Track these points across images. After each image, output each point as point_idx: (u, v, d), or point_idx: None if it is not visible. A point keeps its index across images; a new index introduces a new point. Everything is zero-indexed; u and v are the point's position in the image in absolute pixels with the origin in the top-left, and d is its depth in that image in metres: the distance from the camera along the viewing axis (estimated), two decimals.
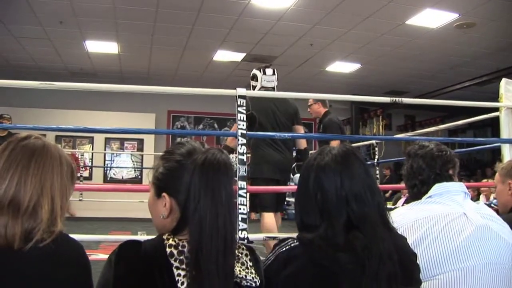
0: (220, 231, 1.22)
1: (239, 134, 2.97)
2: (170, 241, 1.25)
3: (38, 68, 11.65)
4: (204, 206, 1.23)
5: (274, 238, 3.25)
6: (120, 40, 9.79)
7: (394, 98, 3.56)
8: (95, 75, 12.10)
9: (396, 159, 8.59)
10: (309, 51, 10.05)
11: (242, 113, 3.02)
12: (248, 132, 3.03)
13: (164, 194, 1.32)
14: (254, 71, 4.67)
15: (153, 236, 1.32)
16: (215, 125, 13.73)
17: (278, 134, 3.81)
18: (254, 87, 4.61)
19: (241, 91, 3.07)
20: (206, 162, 1.27)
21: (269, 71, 4.58)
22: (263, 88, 4.55)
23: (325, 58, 10.56)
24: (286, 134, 4.01)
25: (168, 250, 1.23)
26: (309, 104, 6.03)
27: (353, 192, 1.42)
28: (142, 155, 12.46)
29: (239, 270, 1.27)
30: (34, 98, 11.60)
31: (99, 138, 12.22)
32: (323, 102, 5.96)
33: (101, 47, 10.24)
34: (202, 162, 1.28)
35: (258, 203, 4.42)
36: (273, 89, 4.58)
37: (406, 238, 1.56)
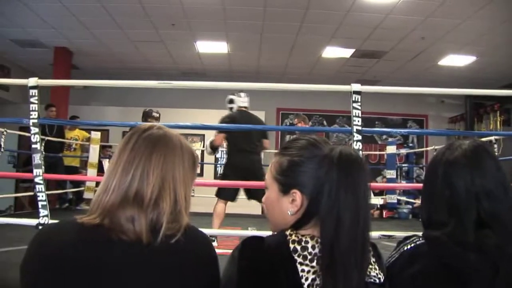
0: (360, 226, 1.19)
1: (355, 130, 2.94)
2: (293, 237, 1.23)
3: (151, 70, 12.23)
4: (345, 202, 1.19)
5: (389, 236, 3.19)
6: (230, 39, 10.01)
7: None
8: (204, 74, 12.50)
9: None
10: (421, 45, 9.72)
11: (358, 109, 2.97)
12: (363, 129, 2.99)
13: (294, 190, 1.28)
14: (230, 96, 5.95)
15: (266, 232, 1.31)
16: (324, 122, 13.65)
17: (394, 130, 3.74)
18: (231, 109, 5.92)
19: (356, 86, 3.02)
20: (343, 157, 1.24)
21: (243, 94, 5.89)
22: (239, 107, 5.84)
23: (437, 52, 10.15)
24: (403, 131, 3.92)
25: (291, 245, 1.21)
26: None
27: (484, 188, 1.35)
28: None
29: None
30: (148, 98, 12.11)
31: (210, 136, 12.50)
32: (304, 119, 8.38)
33: (211, 47, 10.54)
34: (339, 157, 1.24)
35: (218, 193, 5.71)
36: (246, 108, 5.85)
37: None
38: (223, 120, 5.67)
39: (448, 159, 1.42)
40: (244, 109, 5.86)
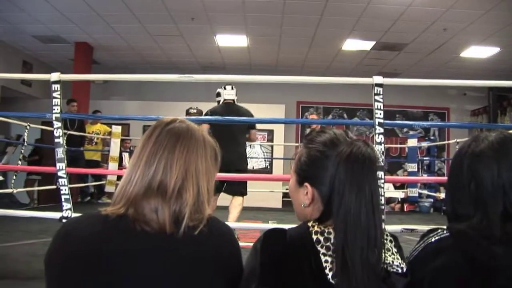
0: (363, 228, 1.18)
1: (377, 123, 2.91)
2: (316, 228, 1.23)
3: (171, 64, 12.31)
4: (349, 202, 1.19)
5: (412, 230, 3.17)
6: (249, 33, 10.00)
7: None
8: (224, 68, 12.54)
9: None
10: (442, 37, 9.61)
11: (380, 101, 2.95)
12: (385, 121, 2.97)
13: (306, 184, 1.31)
14: (218, 90, 5.93)
15: (287, 225, 1.33)
16: (344, 115, 13.62)
17: (417, 123, 3.71)
18: (218, 102, 5.89)
19: (378, 79, 2.99)
20: (352, 155, 1.23)
21: (228, 87, 5.85)
22: (225, 100, 5.79)
23: (459, 43, 10.02)
24: (425, 123, 3.87)
25: (314, 236, 1.22)
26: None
27: (511, 181, 1.29)
28: (272, 146, 12.64)
29: (386, 256, 1.23)
30: (168, 92, 12.21)
31: None
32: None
33: (231, 40, 10.55)
34: (348, 155, 1.23)
35: None
36: (233, 101, 5.79)
37: None
38: (206, 114, 5.70)
39: (474, 151, 1.37)
40: (231, 101, 5.82)
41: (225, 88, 5.88)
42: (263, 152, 12.90)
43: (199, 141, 1.32)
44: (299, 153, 1.37)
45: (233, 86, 5.91)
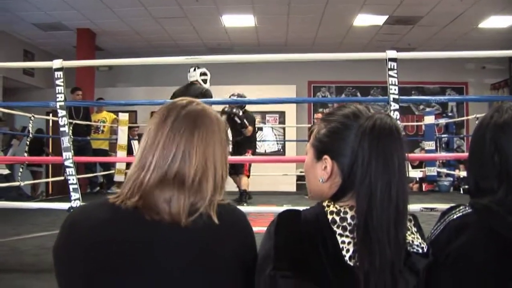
0: (393, 200, 1.13)
1: (391, 99, 2.89)
2: (331, 208, 1.21)
3: (177, 47, 12.16)
4: (375, 173, 1.14)
5: (431, 209, 3.20)
6: (257, 12, 9.82)
7: None
8: (232, 49, 12.37)
9: None
10: (459, 7, 9.29)
11: (394, 77, 2.86)
12: (401, 97, 2.89)
13: (325, 156, 1.26)
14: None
15: (303, 208, 1.28)
16: (358, 94, 13.37)
17: (433, 98, 3.56)
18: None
19: (392, 53, 2.97)
20: (376, 126, 1.18)
21: (191, 69, 6.45)
22: (191, 82, 6.41)
23: (477, 14, 9.69)
24: (443, 98, 3.65)
25: (329, 217, 1.19)
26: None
27: None
28: (284, 128, 12.49)
29: (406, 235, 1.20)
30: (175, 76, 11.97)
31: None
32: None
33: (238, 20, 10.40)
34: (372, 126, 1.18)
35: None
36: (196, 81, 6.41)
37: None
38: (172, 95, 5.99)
39: (496, 122, 1.32)
40: (195, 83, 6.38)
41: (189, 71, 6.41)
42: (275, 134, 12.79)
43: (215, 124, 1.29)
44: (318, 128, 1.34)
45: (196, 68, 6.42)
